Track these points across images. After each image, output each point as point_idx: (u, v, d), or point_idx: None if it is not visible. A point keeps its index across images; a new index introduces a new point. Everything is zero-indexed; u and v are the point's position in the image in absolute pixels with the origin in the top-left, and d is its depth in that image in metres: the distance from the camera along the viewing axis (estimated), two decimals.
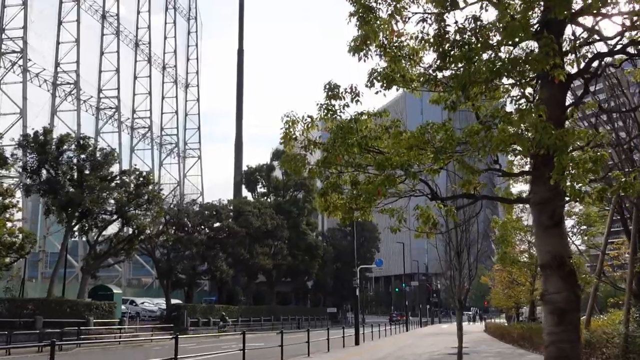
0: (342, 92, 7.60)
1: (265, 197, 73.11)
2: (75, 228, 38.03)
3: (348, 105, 7.62)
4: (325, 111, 7.68)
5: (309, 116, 7.87)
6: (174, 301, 52.36)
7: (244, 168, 76.87)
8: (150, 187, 39.50)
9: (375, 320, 69.79)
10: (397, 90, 7.59)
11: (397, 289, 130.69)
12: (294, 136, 8.05)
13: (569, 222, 30.32)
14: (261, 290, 73.18)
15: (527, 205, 32.52)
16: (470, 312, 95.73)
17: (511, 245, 33.56)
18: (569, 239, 26.08)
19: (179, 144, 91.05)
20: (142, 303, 56.48)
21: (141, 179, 39.07)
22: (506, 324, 46.51)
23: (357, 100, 7.60)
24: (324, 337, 25.37)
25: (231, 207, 58.53)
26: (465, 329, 50.89)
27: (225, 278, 53.17)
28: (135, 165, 52.25)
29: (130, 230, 39.63)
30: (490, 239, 36.67)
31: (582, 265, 13.82)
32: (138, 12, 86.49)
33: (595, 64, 7.56)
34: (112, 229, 41.52)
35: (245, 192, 77.16)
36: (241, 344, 16.67)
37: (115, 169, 40.59)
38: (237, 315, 56.00)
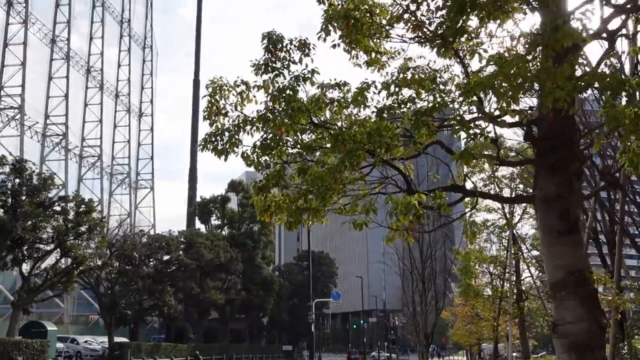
0: (287, 46, 5.62)
1: (220, 230, 70.44)
2: (8, 259, 34.86)
3: (295, 62, 5.61)
4: (264, 70, 5.67)
5: (242, 82, 5.88)
6: (119, 339, 48.96)
7: (198, 199, 74.14)
8: (92, 215, 36.64)
9: (332, 359, 66.92)
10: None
11: (354, 326, 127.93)
12: (223, 110, 6.06)
13: None
14: (213, 328, 69.88)
15: (492, 235, 31.23)
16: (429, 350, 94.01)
17: (474, 277, 32.05)
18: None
19: (130, 174, 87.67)
20: (85, 342, 52.83)
21: (83, 206, 36.19)
22: None
23: (307, 55, 5.63)
24: None
25: (182, 239, 55.65)
26: None
27: (174, 314, 50.03)
28: (79, 194, 49.09)
29: (69, 262, 36.52)
30: (450, 272, 35.17)
31: (608, 282, 11.75)
32: (91, 38, 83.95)
33: None
34: (50, 260, 38.37)
35: (198, 225, 74.44)
36: None
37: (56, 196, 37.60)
38: (186, 355, 52.72)
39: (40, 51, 73.46)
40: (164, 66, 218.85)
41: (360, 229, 6.54)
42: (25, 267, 37.04)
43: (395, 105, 5.41)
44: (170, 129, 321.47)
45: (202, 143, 6.10)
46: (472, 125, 5.40)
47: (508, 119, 5.68)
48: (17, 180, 34.64)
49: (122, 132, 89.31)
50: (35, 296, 36.95)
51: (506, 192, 28.33)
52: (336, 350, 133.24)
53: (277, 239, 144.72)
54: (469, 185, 6.42)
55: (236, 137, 6.01)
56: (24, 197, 34.36)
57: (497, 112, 5.45)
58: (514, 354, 28.52)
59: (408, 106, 5.40)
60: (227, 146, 6.00)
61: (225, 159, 6.11)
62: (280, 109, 5.49)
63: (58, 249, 36.09)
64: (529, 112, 5.75)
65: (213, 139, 6.00)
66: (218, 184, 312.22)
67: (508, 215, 28.39)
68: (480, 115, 5.31)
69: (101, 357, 46.23)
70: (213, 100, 5.94)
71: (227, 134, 6.01)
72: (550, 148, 5.54)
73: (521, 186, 27.21)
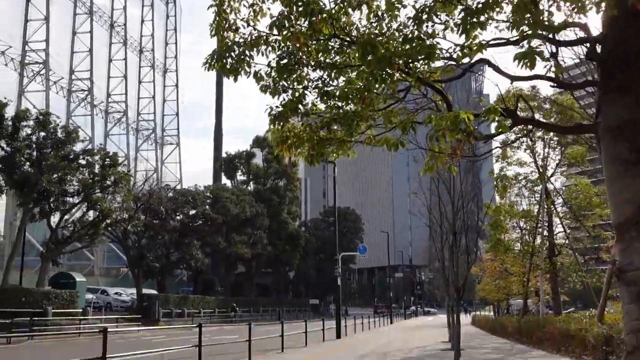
0: None
1: (245, 185, 70.33)
2: (35, 211, 35.02)
3: None
4: None
5: None
6: (147, 291, 49.56)
7: (223, 155, 73.91)
8: (118, 169, 36.48)
9: (358, 312, 67.31)
10: None
11: (380, 281, 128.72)
12: (233, 26, 5.28)
13: None
14: (240, 281, 70.43)
15: (523, 189, 30.29)
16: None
17: (504, 232, 31.27)
18: None
19: (156, 129, 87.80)
20: (115, 293, 53.67)
21: (107, 159, 36.04)
22: (493, 317, 44.32)
23: None
24: (303, 329, 22.80)
25: (208, 194, 55.61)
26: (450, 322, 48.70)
27: (201, 267, 50.35)
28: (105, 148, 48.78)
29: (96, 215, 36.59)
30: (480, 227, 34.33)
31: None
32: None
33: None
34: (78, 213, 38.54)
35: (224, 180, 74.44)
36: (215, 336, 14.08)
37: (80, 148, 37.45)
38: (213, 307, 53.24)
39: (64, 5, 72.89)
40: (188, 25, 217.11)
41: (396, 149, 5.69)
42: (54, 220, 37.21)
43: (440, 2, 4.58)
44: (195, 87, 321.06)
45: (208, 60, 5.34)
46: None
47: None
48: (42, 134, 34.53)
49: (147, 88, 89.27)
50: (63, 248, 37.29)
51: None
52: (362, 304, 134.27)
53: (302, 195, 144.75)
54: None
55: (248, 52, 5.23)
56: (49, 150, 34.29)
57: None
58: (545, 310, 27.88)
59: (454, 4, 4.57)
60: (237, 64, 5.22)
61: (235, 79, 5.33)
62: (298, 14, 4.69)
63: (85, 202, 36.10)
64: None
65: (221, 55, 5.23)
66: (243, 141, 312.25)
67: (541, 169, 27.41)
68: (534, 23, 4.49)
69: (130, 308, 46.81)
70: (221, 12, 5.15)
71: (237, 49, 5.23)
72: (618, 66, 4.76)
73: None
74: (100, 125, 76.46)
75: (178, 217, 51.38)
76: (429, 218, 22.67)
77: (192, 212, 51.86)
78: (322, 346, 22.74)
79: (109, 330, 11.77)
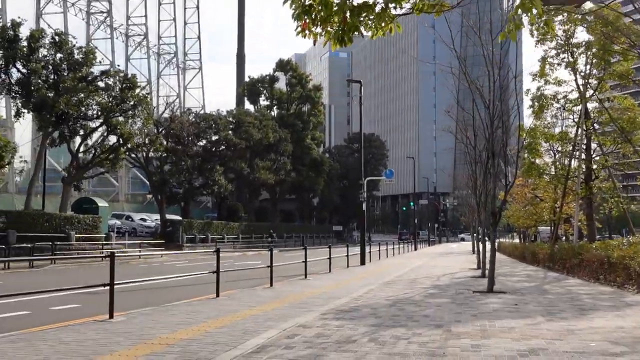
0: None
1: (268, 110, 69.08)
2: (55, 135, 34.44)
3: None
4: None
5: None
6: (171, 217, 49.58)
7: (246, 79, 72.35)
8: (136, 92, 35.45)
9: (382, 239, 67.26)
10: None
11: (404, 208, 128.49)
12: None
13: None
14: (264, 207, 70.40)
15: (562, 110, 28.66)
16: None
17: (539, 155, 29.97)
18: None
19: (177, 53, 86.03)
20: (140, 219, 53.93)
21: (126, 82, 34.96)
22: (519, 244, 43.43)
23: None
24: (327, 255, 22.14)
25: (230, 119, 54.56)
26: (474, 249, 47.88)
27: (224, 193, 49.98)
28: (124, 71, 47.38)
29: (115, 139, 35.88)
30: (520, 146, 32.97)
31: None
32: None
33: None
34: (98, 137, 37.90)
35: (247, 105, 73.22)
36: (238, 262, 13.34)
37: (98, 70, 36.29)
38: (237, 233, 53.28)
39: None
40: None
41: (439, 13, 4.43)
42: (74, 145, 36.68)
43: None
44: (217, 12, 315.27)
45: None
46: None
47: None
48: (59, 55, 33.46)
49: (168, 10, 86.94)
50: (84, 173, 36.87)
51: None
52: (385, 231, 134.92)
53: (326, 122, 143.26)
54: None
55: None
56: (66, 72, 33.31)
57: None
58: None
59: None
60: None
61: None
62: None
63: (104, 126, 35.38)
64: None
65: None
66: (267, 67, 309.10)
67: (582, 88, 25.74)
68: None
69: (154, 233, 46.94)
70: None
71: None
72: None
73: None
74: (121, 49, 75.14)
75: (201, 143, 50.67)
76: (461, 138, 21.55)
77: (215, 137, 51.02)
78: (346, 273, 22.13)
79: (124, 255, 11.02)
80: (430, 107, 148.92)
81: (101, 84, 34.71)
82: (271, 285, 15.46)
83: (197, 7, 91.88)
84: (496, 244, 31.63)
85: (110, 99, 34.71)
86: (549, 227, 56.54)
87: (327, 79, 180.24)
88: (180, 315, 9.74)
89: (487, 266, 20.06)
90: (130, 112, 35.14)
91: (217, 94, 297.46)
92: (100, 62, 35.52)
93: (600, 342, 7.24)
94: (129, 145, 35.45)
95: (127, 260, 30.68)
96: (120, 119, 34.72)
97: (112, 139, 37.20)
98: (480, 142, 19.02)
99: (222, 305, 11.27)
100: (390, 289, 15.08)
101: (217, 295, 12.59)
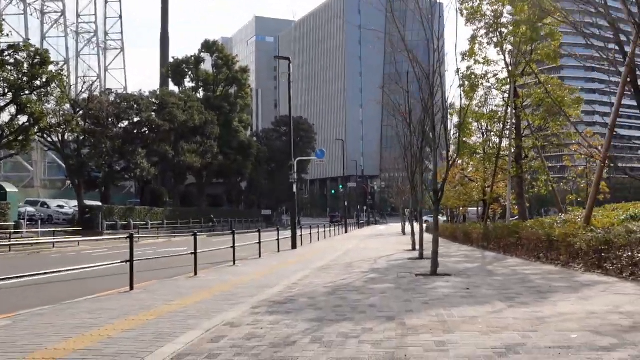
0: None
1: (194, 92, 66.41)
2: None
3: None
4: None
5: None
6: (91, 203, 46.74)
7: (170, 60, 69.33)
8: (49, 68, 32.61)
9: (312, 222, 66.12)
10: None
11: (333, 191, 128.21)
12: None
13: None
14: (190, 192, 67.96)
15: (491, 89, 28.26)
16: (406, 214, 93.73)
17: (470, 135, 29.53)
18: None
19: (97, 32, 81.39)
20: (57, 205, 50.68)
21: (37, 57, 32.06)
22: (449, 225, 43.33)
23: None
24: (257, 240, 20.75)
25: (154, 100, 51.82)
26: (406, 231, 47.61)
27: (147, 177, 47.45)
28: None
29: (26, 119, 32.89)
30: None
31: None
32: None
33: None
34: (6, 117, 34.79)
35: (172, 87, 70.22)
36: (161, 249, 11.73)
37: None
38: (162, 219, 50.92)
39: None
40: None
41: None
42: None
43: None
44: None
45: None
46: None
47: None
48: None
49: None
50: None
51: None
52: (314, 214, 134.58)
53: (254, 105, 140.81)
54: None
55: None
56: None
57: None
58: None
59: None
60: None
61: None
62: None
63: (13, 105, 32.44)
64: None
65: None
66: (192, 50, 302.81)
67: (510, 67, 25.31)
68: None
69: (72, 220, 44.13)
70: None
71: None
72: None
73: None
74: (36, 26, 70.27)
75: (122, 125, 47.88)
76: (394, 113, 20.61)
77: (137, 118, 48.30)
78: (277, 257, 20.81)
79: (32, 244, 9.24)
80: (357, 91, 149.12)
81: (9, 59, 31.68)
82: (195, 274, 13.96)
83: None
84: (425, 225, 31.13)
85: (20, 76, 31.78)
86: (475, 208, 57.29)
87: (254, 63, 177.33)
88: (82, 315, 8.12)
89: (424, 247, 19.31)
90: (42, 89, 32.30)
91: (140, 77, 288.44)
92: (7, 35, 32.29)
93: (581, 332, 6.21)
94: (40, 126, 32.55)
95: (38, 250, 28.29)
96: (32, 97, 31.84)
97: (23, 119, 34.20)
98: (415, 118, 18.12)
99: (135, 300, 9.70)
100: (327, 274, 13.86)
101: (131, 288, 10.99)
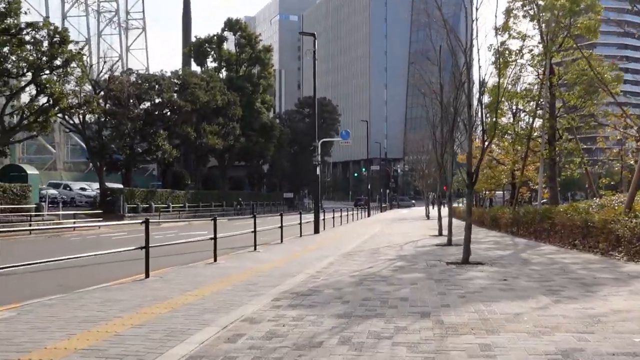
0: None
1: (217, 72, 65.73)
2: None
3: None
4: None
5: None
6: (112, 185, 46.57)
7: (193, 40, 68.64)
8: (69, 47, 32.12)
9: (334, 206, 65.46)
10: None
11: (355, 174, 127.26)
12: None
13: None
14: (212, 174, 67.61)
15: (526, 66, 27.18)
16: (430, 197, 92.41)
17: (502, 115, 28.46)
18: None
19: (119, 11, 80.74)
20: (80, 188, 50.65)
21: (57, 35, 31.56)
22: (475, 209, 42.30)
23: None
24: (279, 224, 20.12)
25: (175, 80, 51.27)
26: (430, 215, 46.71)
27: (169, 159, 47.03)
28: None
29: (45, 100, 32.51)
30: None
31: None
32: None
33: None
34: (26, 98, 34.44)
35: (194, 67, 69.66)
36: (182, 232, 11.16)
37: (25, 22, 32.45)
38: (183, 201, 50.63)
39: None
40: None
41: None
42: None
43: None
44: None
45: None
46: None
47: None
48: None
49: None
50: (11, 137, 33.57)
51: None
52: (336, 198, 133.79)
53: (277, 86, 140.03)
54: None
55: None
56: None
57: None
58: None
59: None
60: None
61: None
62: None
63: (32, 85, 32.09)
64: None
65: None
66: (214, 30, 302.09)
67: (547, 41, 24.13)
68: None
69: (94, 203, 43.98)
70: None
71: None
72: None
73: None
74: (56, 5, 70.03)
75: (143, 106, 47.45)
76: (426, 91, 19.84)
77: (158, 99, 47.83)
78: (299, 243, 20.21)
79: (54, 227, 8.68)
80: (382, 70, 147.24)
81: (28, 38, 31.26)
82: (215, 260, 13.39)
83: None
84: (445, 209, 30.14)
85: (39, 55, 31.36)
86: (501, 192, 56.06)
87: (277, 43, 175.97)
88: (91, 306, 7.54)
89: (454, 233, 18.56)
90: (62, 69, 31.86)
91: (162, 59, 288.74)
92: (26, 12, 31.76)
93: None
94: (61, 106, 32.13)
95: (59, 234, 28.02)
96: (51, 77, 31.43)
97: (43, 100, 33.87)
98: (446, 96, 17.33)
99: (150, 289, 9.12)
100: (352, 261, 13.20)
101: (147, 276, 10.43)
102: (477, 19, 12.69)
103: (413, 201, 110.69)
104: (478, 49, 12.72)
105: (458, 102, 16.53)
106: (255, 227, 16.78)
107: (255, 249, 16.62)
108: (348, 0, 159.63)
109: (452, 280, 9.70)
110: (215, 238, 13.53)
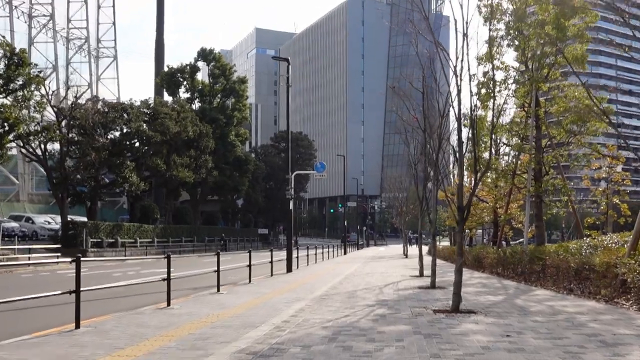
0: None
1: (190, 103, 64.00)
2: None
3: None
4: None
5: None
6: (78, 219, 44.25)
7: (165, 69, 67.00)
8: (27, 70, 30.28)
9: (309, 243, 63.52)
10: None
11: (332, 210, 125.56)
12: None
13: None
14: (184, 209, 65.33)
15: (509, 98, 26.04)
16: (408, 235, 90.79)
17: (484, 150, 27.18)
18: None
19: (89, 39, 78.63)
20: (45, 221, 48.21)
21: (14, 57, 29.74)
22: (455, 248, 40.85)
23: None
24: (253, 261, 18.29)
25: (145, 110, 49.35)
26: (408, 253, 45.18)
27: (136, 192, 44.85)
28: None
29: None
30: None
31: None
32: None
33: None
34: None
35: (166, 98, 67.82)
36: (145, 270, 9.37)
37: None
38: (152, 236, 48.38)
39: None
40: None
41: None
42: None
43: None
44: (135, 6, 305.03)
45: None
46: None
47: None
48: None
49: None
50: None
51: None
52: (312, 234, 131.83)
53: (253, 121, 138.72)
54: None
55: None
56: None
57: None
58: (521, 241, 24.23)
59: None
60: None
61: None
62: None
63: None
64: None
65: None
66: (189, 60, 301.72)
67: (533, 73, 23.02)
68: None
69: (56, 237, 41.66)
70: None
71: None
72: None
73: None
74: (23, 30, 67.99)
75: (111, 135, 45.43)
76: (408, 119, 18.53)
77: (126, 129, 45.89)
78: (269, 283, 18.38)
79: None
80: (359, 107, 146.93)
81: None
82: (168, 304, 11.58)
83: None
84: (425, 247, 28.54)
85: None
86: (479, 231, 54.75)
87: (254, 77, 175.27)
88: None
89: (431, 272, 16.96)
90: (19, 93, 29.95)
91: (134, 89, 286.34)
92: None
93: None
94: (15, 133, 30.08)
95: (11, 270, 25.80)
96: (6, 101, 29.48)
97: None
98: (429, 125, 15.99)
99: (72, 345, 7.28)
100: (326, 307, 11.46)
101: (77, 326, 8.58)
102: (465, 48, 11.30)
103: (384, 241, 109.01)
104: (470, 75, 11.34)
105: (442, 129, 15.25)
106: (218, 266, 15.00)
107: (218, 290, 14.82)
108: (325, 35, 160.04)
109: (444, 335, 8.03)
110: (168, 279, 11.73)
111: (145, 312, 10.78)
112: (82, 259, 8.99)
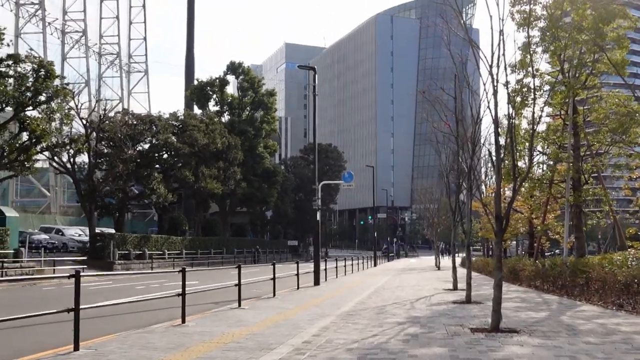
0: None
1: (219, 116, 63.90)
2: None
3: None
4: None
5: None
6: (107, 230, 44.08)
7: (195, 83, 67.13)
8: (54, 82, 30.08)
9: (339, 254, 62.60)
10: None
11: (362, 222, 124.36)
12: None
13: None
14: (213, 220, 64.99)
15: (546, 105, 24.89)
16: (440, 246, 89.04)
17: (520, 158, 26.03)
18: None
19: (120, 54, 79.43)
20: (73, 233, 48.31)
21: (42, 70, 29.56)
22: (490, 260, 39.53)
23: None
24: (280, 273, 17.45)
25: (174, 122, 49.22)
26: (440, 265, 43.93)
27: (163, 203, 44.51)
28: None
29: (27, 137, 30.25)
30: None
31: None
32: None
33: None
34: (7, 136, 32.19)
35: (196, 111, 67.88)
36: (169, 282, 8.61)
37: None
38: (180, 248, 47.93)
39: None
40: None
41: None
42: None
43: None
44: (167, 18, 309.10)
45: None
46: None
47: None
48: None
49: (110, 7, 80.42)
50: None
51: None
52: (343, 245, 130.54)
53: (282, 133, 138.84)
54: None
55: None
56: None
57: None
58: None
59: None
60: None
61: None
62: None
63: (14, 121, 29.97)
64: None
65: None
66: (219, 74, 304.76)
67: (570, 79, 21.87)
68: None
69: (84, 249, 41.50)
70: None
71: None
72: None
73: None
74: (56, 46, 68.78)
75: (139, 147, 45.31)
76: (439, 125, 17.65)
77: (154, 140, 45.70)
78: (295, 297, 17.52)
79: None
80: (388, 119, 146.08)
81: (9, 71, 29.11)
82: (183, 321, 10.79)
83: (144, 6, 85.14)
84: (457, 259, 27.43)
85: (22, 89, 29.23)
86: (514, 242, 53.18)
87: (283, 91, 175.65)
88: None
89: (466, 285, 15.94)
90: (46, 105, 29.74)
91: (165, 103, 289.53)
92: (8, 45, 29.63)
93: None
94: (43, 144, 29.89)
95: (34, 282, 25.42)
96: (34, 113, 29.31)
97: (25, 137, 31.67)
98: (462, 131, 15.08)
99: None
100: (352, 325, 10.55)
101: (76, 348, 7.81)
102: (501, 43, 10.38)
103: (414, 253, 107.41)
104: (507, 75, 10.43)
105: (476, 136, 14.34)
106: (239, 279, 14.19)
107: (239, 304, 14.02)
108: (354, 49, 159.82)
109: None
110: (183, 294, 10.95)
111: (156, 330, 10.01)
112: (106, 272, 8.28)
